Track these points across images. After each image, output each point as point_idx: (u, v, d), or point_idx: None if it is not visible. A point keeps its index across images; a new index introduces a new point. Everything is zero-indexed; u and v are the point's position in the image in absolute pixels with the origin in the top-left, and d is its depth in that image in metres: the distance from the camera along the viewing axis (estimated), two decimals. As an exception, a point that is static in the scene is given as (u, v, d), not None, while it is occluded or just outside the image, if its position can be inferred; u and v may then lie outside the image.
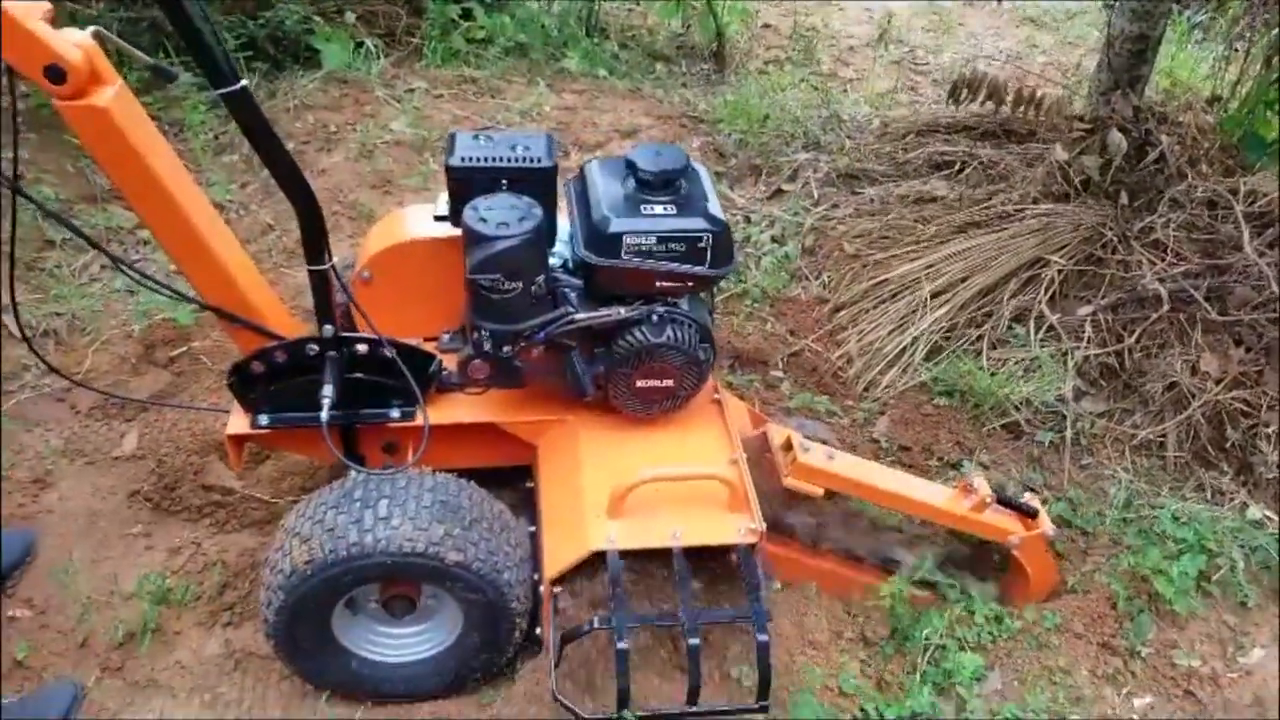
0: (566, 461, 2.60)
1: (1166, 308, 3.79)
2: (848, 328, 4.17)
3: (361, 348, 2.54)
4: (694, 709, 2.26)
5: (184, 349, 3.80)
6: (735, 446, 2.62)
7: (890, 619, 2.94)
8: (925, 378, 3.89)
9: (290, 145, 5.21)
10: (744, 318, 4.20)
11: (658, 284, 2.47)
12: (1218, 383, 3.60)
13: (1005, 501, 2.92)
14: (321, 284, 2.48)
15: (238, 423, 2.66)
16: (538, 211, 2.40)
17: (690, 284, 2.50)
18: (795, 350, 4.09)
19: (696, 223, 2.44)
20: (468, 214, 2.37)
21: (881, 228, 4.61)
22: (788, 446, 2.75)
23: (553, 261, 2.58)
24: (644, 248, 2.42)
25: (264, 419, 2.62)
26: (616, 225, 2.40)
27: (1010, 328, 3.97)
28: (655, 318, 2.51)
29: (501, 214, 2.36)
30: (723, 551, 2.45)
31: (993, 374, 3.79)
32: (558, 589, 2.37)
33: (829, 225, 4.78)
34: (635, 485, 2.35)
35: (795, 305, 4.34)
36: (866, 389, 3.93)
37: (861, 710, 2.71)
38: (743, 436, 2.83)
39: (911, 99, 6.48)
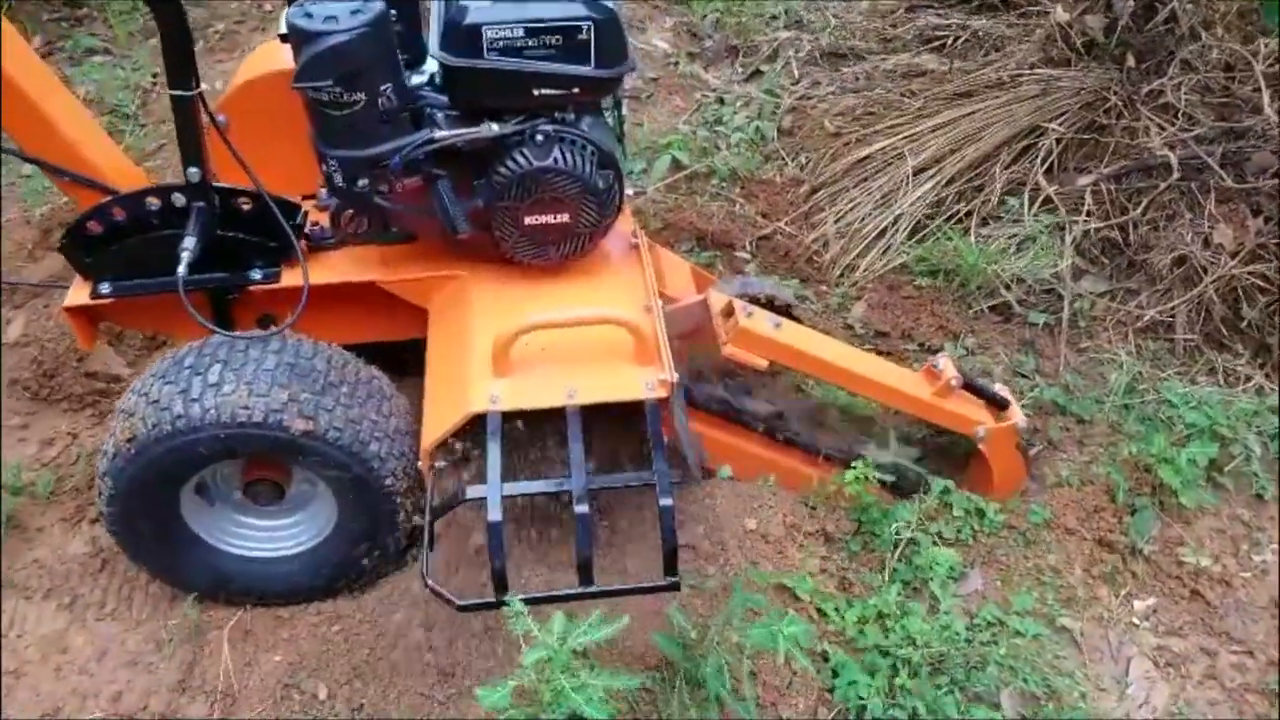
0: (456, 321, 2.23)
1: (1176, 176, 3.41)
2: (825, 209, 3.77)
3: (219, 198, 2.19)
4: (589, 590, 1.90)
5: (82, 232, 3.43)
6: (651, 294, 2.24)
7: (855, 512, 2.59)
8: (907, 258, 3.50)
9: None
10: (709, 198, 3.81)
11: (535, 91, 2.05)
12: (1233, 256, 3.24)
13: (973, 388, 2.56)
14: (185, 114, 2.11)
15: (78, 294, 2.30)
16: (378, 4, 1.97)
17: (576, 91, 2.08)
18: (766, 233, 3.71)
19: (572, 8, 2.00)
20: (291, 12, 1.95)
21: (865, 104, 4.19)
22: (729, 312, 2.37)
23: (419, 80, 2.17)
24: (510, 42, 1.99)
25: (105, 287, 2.27)
26: (474, 14, 1.97)
27: (1003, 201, 3.57)
28: (539, 137, 2.10)
29: (329, 7, 1.93)
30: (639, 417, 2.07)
31: (981, 250, 3.40)
32: (440, 462, 2.02)
33: (809, 104, 4.35)
34: (519, 333, 1.98)
35: (769, 187, 3.94)
36: (843, 273, 3.56)
37: (819, 610, 2.37)
38: (682, 303, 2.46)
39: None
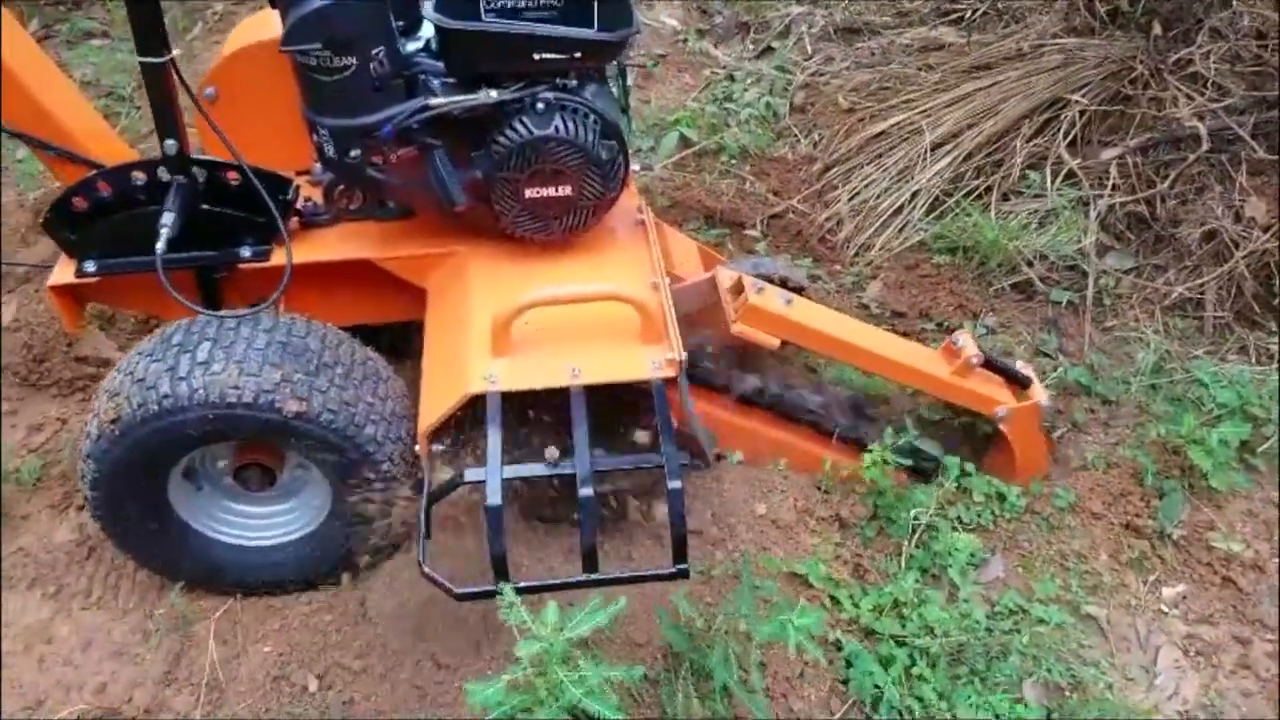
0: (454, 299, 2.13)
1: (1206, 147, 3.28)
2: (839, 187, 3.66)
3: (204, 172, 2.10)
4: (592, 578, 1.80)
5: (75, 214, 3.36)
6: (657, 270, 2.14)
7: (870, 497, 2.48)
8: (925, 235, 3.39)
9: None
10: (718, 175, 3.70)
11: (535, 56, 1.94)
12: (1265, 230, 3.11)
13: (994, 366, 2.45)
14: (157, 83, 2.01)
15: (62, 272, 2.21)
16: None
17: (578, 55, 1.96)
18: (777, 212, 3.60)
19: None
20: None
21: (880, 79, 4.07)
22: (738, 289, 2.26)
23: (414, 46, 2.06)
24: (508, 3, 1.88)
25: (90, 265, 2.18)
26: None
27: (1024, 176, 3.44)
28: (540, 104, 1.99)
29: None
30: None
31: (1001, 226, 3.27)
32: (438, 446, 1.92)
33: (822, 81, 4.24)
34: (519, 310, 1.88)
35: (780, 165, 3.83)
36: (857, 252, 3.44)
37: (832, 598, 2.27)
38: (690, 281, 2.35)
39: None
